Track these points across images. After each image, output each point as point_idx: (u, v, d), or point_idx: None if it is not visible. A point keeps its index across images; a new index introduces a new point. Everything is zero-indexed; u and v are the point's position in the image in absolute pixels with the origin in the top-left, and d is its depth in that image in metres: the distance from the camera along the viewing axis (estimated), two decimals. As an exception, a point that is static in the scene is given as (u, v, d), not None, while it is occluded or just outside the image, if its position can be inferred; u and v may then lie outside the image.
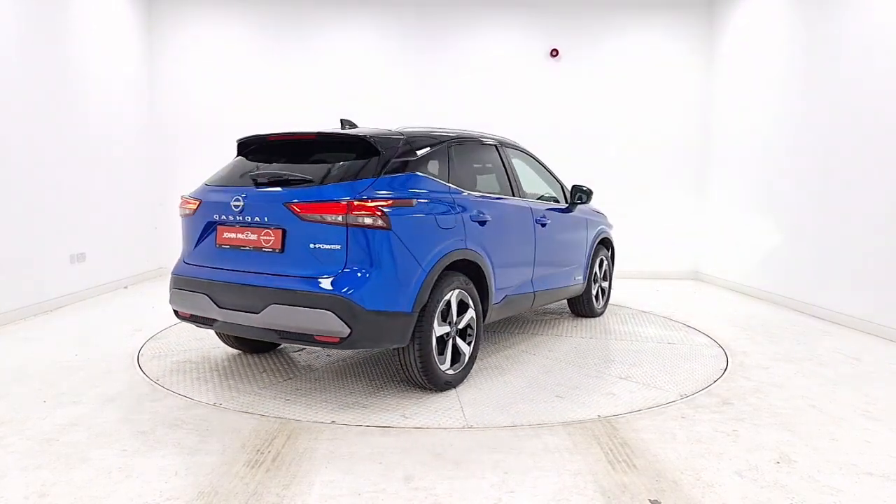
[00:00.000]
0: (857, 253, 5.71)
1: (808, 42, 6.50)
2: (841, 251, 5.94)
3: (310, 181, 3.52)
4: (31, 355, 4.60)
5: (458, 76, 8.64)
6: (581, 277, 5.65)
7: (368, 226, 3.37)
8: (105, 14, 7.34)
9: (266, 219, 3.53)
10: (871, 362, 4.63)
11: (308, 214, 3.39)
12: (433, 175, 3.95)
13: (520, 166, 5.18)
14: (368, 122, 8.01)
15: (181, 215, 4.01)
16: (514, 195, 4.75)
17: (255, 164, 3.92)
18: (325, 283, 3.35)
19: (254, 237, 3.58)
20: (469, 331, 4.01)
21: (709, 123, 8.68)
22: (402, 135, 3.90)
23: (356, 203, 3.35)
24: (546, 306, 6.37)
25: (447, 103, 8.59)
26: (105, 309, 6.37)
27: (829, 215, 6.11)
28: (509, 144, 5.09)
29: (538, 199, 5.22)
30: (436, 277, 3.63)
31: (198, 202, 3.87)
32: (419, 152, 3.89)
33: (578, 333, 5.41)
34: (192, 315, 3.88)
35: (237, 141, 4.13)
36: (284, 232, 3.48)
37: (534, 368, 4.39)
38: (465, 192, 4.12)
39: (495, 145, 4.84)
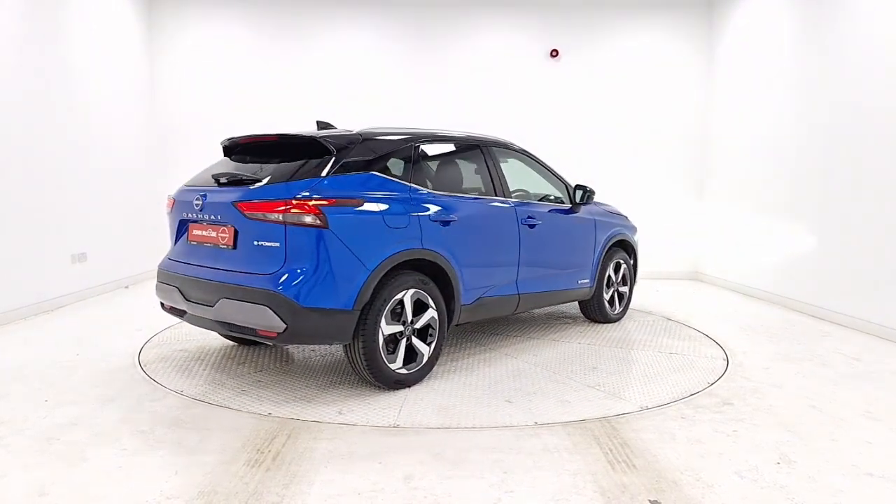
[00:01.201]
0: (858, 253, 5.71)
1: (808, 41, 6.50)
2: (841, 251, 5.93)
3: (258, 181, 3.65)
4: (32, 355, 4.60)
5: (458, 76, 8.64)
6: (588, 281, 5.45)
7: (306, 224, 3.44)
8: (105, 14, 7.34)
9: (220, 217, 3.74)
10: (871, 363, 4.63)
11: (252, 213, 3.53)
12: (393, 175, 3.95)
13: (518, 167, 5.14)
14: (369, 123, 8.03)
15: (167, 213, 4.30)
16: (497, 195, 4.63)
17: (235, 164, 4.06)
18: (265, 280, 3.48)
19: (213, 234, 3.80)
20: (430, 331, 4.02)
21: (709, 123, 8.68)
22: (360, 135, 3.96)
23: (294, 202, 3.44)
24: (557, 308, 6.34)
25: (447, 103, 8.59)
26: (105, 309, 6.37)
27: (830, 215, 6.11)
28: (502, 145, 4.98)
29: (540, 199, 5.16)
30: (381, 276, 3.66)
31: (173, 201, 4.18)
32: (377, 152, 3.92)
33: (577, 338, 5.24)
34: (170, 306, 4.19)
35: (220, 143, 4.28)
36: (236, 230, 3.66)
37: (504, 371, 4.31)
38: (428, 192, 4.08)
39: (478, 145, 4.73)
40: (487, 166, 4.72)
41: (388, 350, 3.77)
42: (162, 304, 4.31)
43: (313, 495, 2.57)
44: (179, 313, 4.08)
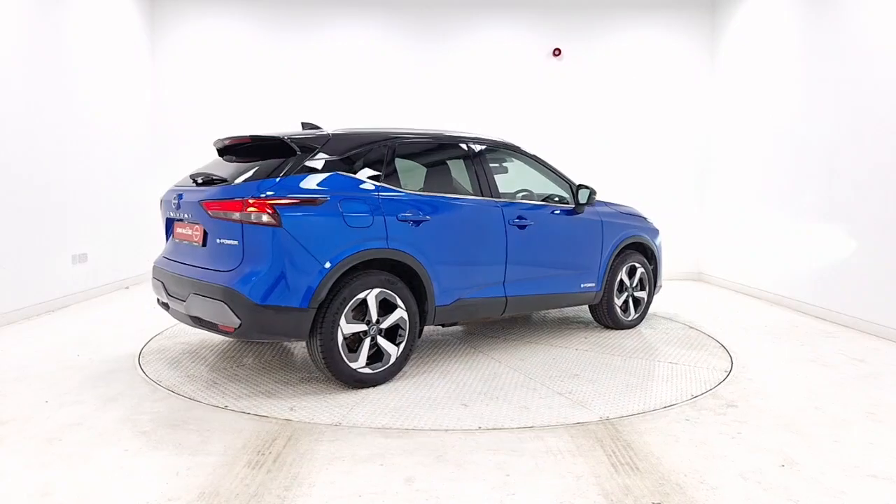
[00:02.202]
0: (862, 254, 5.69)
1: (811, 40, 6.48)
2: (845, 252, 5.91)
3: (224, 181, 3.78)
4: (34, 355, 4.60)
5: (461, 75, 8.63)
6: (593, 284, 5.24)
7: (261, 223, 3.54)
8: (107, 13, 7.35)
9: (192, 216, 3.91)
10: (875, 364, 4.61)
11: (214, 212, 3.68)
12: (361, 174, 3.96)
13: (518, 167, 5.08)
14: (370, 121, 8.04)
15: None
16: (483, 195, 4.54)
17: (224, 164, 4.13)
18: (224, 277, 3.63)
19: (189, 233, 4.00)
20: (400, 331, 4.00)
21: (712, 123, 8.67)
22: (329, 135, 4.02)
23: (250, 201, 3.54)
24: (574, 313, 6.23)
25: (450, 102, 8.59)
26: (106, 309, 6.38)
27: (834, 216, 6.09)
28: (499, 145, 4.90)
29: (544, 199, 5.07)
30: (339, 275, 3.69)
31: (161, 201, 4.42)
32: (345, 152, 3.96)
33: (577, 344, 5.05)
34: (161, 301, 4.34)
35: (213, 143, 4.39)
36: (204, 229, 3.82)
37: (479, 374, 4.24)
38: (398, 191, 4.06)
39: (463, 145, 4.65)
40: (473, 166, 4.62)
41: (349, 349, 3.81)
42: (157, 299, 4.46)
43: (314, 497, 2.56)
44: (166, 307, 4.27)
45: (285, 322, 3.59)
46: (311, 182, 3.73)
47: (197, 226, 3.87)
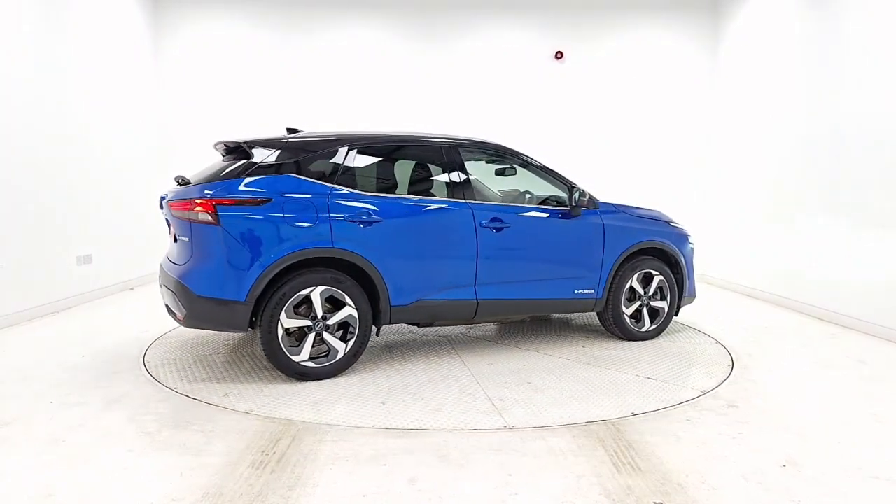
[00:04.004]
0: (865, 255, 5.69)
1: (812, 41, 6.48)
2: (847, 253, 5.91)
3: (188, 182, 4.12)
4: (38, 356, 4.63)
5: (463, 77, 8.65)
6: (591, 291, 4.96)
7: (203, 222, 3.87)
8: (111, 15, 7.38)
9: (168, 215, 4.26)
10: (877, 365, 4.61)
11: (174, 211, 4.05)
12: (315, 176, 4.13)
13: (512, 171, 5.01)
14: (370, 123, 8.06)
15: None
16: (455, 197, 4.49)
17: (218, 165, 4.40)
18: (178, 270, 4.03)
19: (171, 230, 4.32)
20: (351, 329, 4.13)
21: (712, 124, 8.67)
22: (286, 139, 4.28)
23: (197, 201, 3.86)
24: (589, 320, 6.04)
25: (451, 104, 8.61)
26: (111, 310, 6.40)
27: (836, 217, 6.09)
28: (487, 147, 4.84)
29: (542, 202, 4.99)
30: (277, 271, 3.90)
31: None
32: (299, 155, 4.18)
33: (562, 352, 4.79)
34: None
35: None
36: (173, 226, 4.21)
37: (426, 376, 4.22)
38: (350, 192, 4.16)
39: (436, 147, 4.62)
40: (444, 167, 4.59)
41: (292, 343, 4.01)
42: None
43: (318, 497, 2.58)
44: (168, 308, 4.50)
45: (223, 314, 3.89)
46: (254, 184, 3.98)
47: (172, 224, 4.23)
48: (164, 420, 3.41)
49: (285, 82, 8.52)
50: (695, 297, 5.63)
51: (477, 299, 4.55)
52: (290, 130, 4.67)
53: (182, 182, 4.16)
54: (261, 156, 4.09)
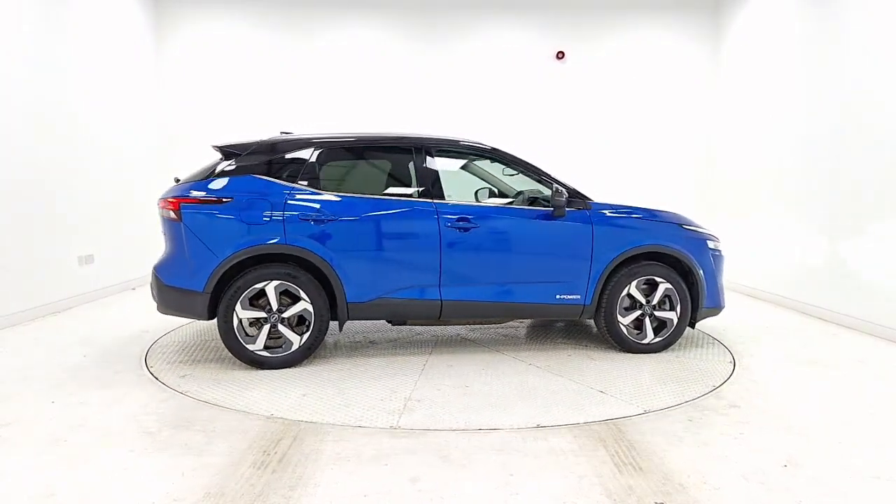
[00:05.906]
0: (866, 255, 5.69)
1: (814, 41, 6.48)
2: (849, 253, 5.91)
3: (178, 181, 4.46)
4: (40, 356, 4.63)
5: (463, 77, 8.65)
6: (577, 297, 4.65)
7: (171, 219, 4.27)
8: (112, 15, 7.38)
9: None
10: (878, 365, 4.61)
11: (159, 209, 4.41)
12: (276, 176, 4.37)
13: (494, 168, 4.99)
14: (370, 123, 8.06)
15: None
16: (423, 197, 4.49)
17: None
18: (157, 261, 4.46)
19: None
20: (307, 322, 4.35)
21: (714, 124, 8.67)
22: (255, 143, 4.51)
23: (170, 200, 4.27)
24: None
25: (452, 105, 8.62)
26: (112, 310, 6.40)
27: (836, 216, 6.09)
28: (464, 147, 4.78)
29: (531, 202, 4.87)
30: (231, 265, 4.22)
31: None
32: (264, 157, 4.43)
33: (541, 360, 4.60)
34: None
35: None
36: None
37: (374, 373, 4.27)
38: (309, 191, 4.35)
39: (410, 147, 4.62)
40: (412, 167, 4.61)
41: (248, 332, 4.32)
42: None
43: (319, 497, 2.58)
44: None
45: (185, 302, 4.27)
46: (218, 184, 4.30)
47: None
48: (166, 420, 3.41)
49: (285, 82, 8.53)
50: (721, 307, 5.03)
51: (441, 300, 4.50)
52: (283, 133, 4.87)
53: (176, 182, 4.48)
54: (235, 158, 4.40)
